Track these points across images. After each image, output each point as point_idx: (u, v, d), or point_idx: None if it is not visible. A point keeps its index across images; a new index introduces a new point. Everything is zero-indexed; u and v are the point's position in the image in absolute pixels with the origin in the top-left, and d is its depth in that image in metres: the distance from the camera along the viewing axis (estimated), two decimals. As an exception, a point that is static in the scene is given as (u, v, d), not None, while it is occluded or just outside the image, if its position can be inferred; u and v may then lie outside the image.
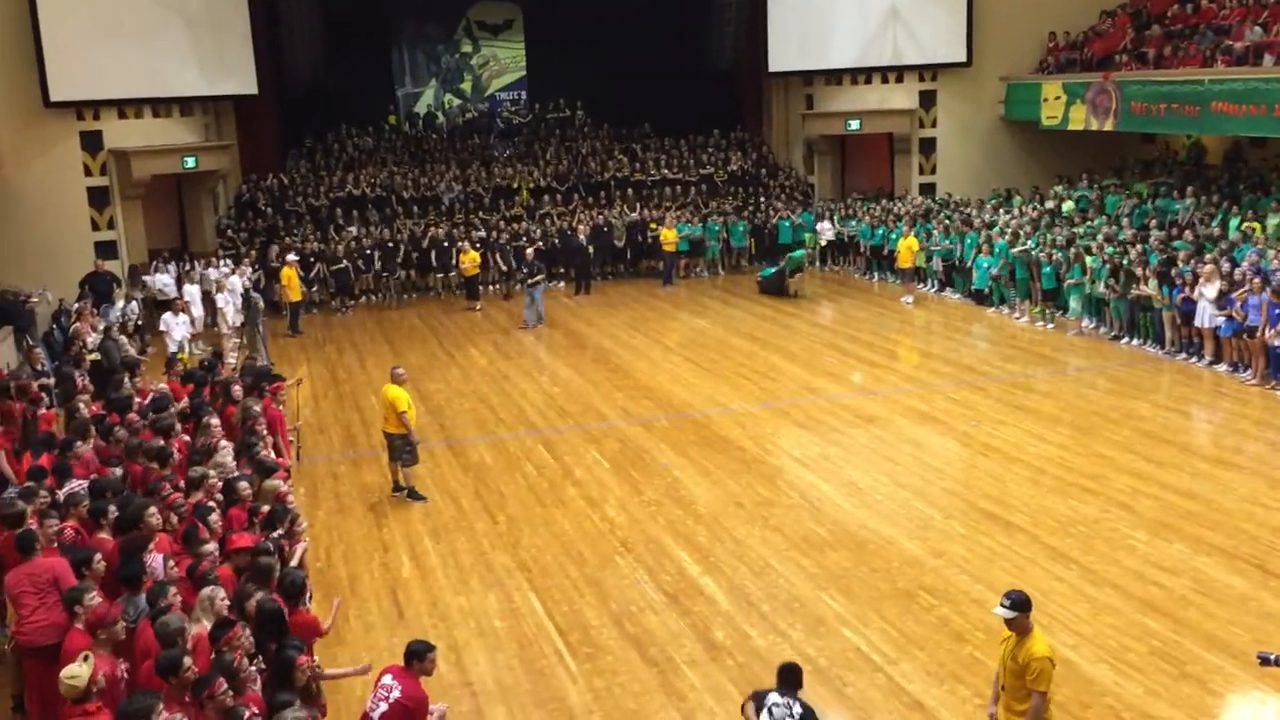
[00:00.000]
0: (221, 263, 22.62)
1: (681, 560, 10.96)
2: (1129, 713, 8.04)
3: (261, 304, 20.35)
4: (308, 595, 7.82)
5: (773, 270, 24.09)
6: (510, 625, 9.81)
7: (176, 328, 18.99)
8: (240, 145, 27.12)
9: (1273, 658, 6.90)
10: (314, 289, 24.15)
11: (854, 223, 26.20)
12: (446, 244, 24.94)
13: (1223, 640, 8.96)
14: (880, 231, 25.14)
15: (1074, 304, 19.55)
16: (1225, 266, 17.02)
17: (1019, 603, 6.72)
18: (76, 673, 6.33)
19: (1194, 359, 17.33)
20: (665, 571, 10.71)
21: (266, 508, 9.11)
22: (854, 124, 28.00)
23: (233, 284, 20.84)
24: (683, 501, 12.53)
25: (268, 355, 19.09)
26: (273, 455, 11.23)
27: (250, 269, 22.36)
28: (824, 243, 26.62)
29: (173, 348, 18.24)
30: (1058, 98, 24.58)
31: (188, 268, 23.02)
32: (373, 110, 31.17)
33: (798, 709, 6.60)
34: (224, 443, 10.83)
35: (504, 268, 24.87)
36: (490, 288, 25.48)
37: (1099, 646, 8.94)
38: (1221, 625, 9.20)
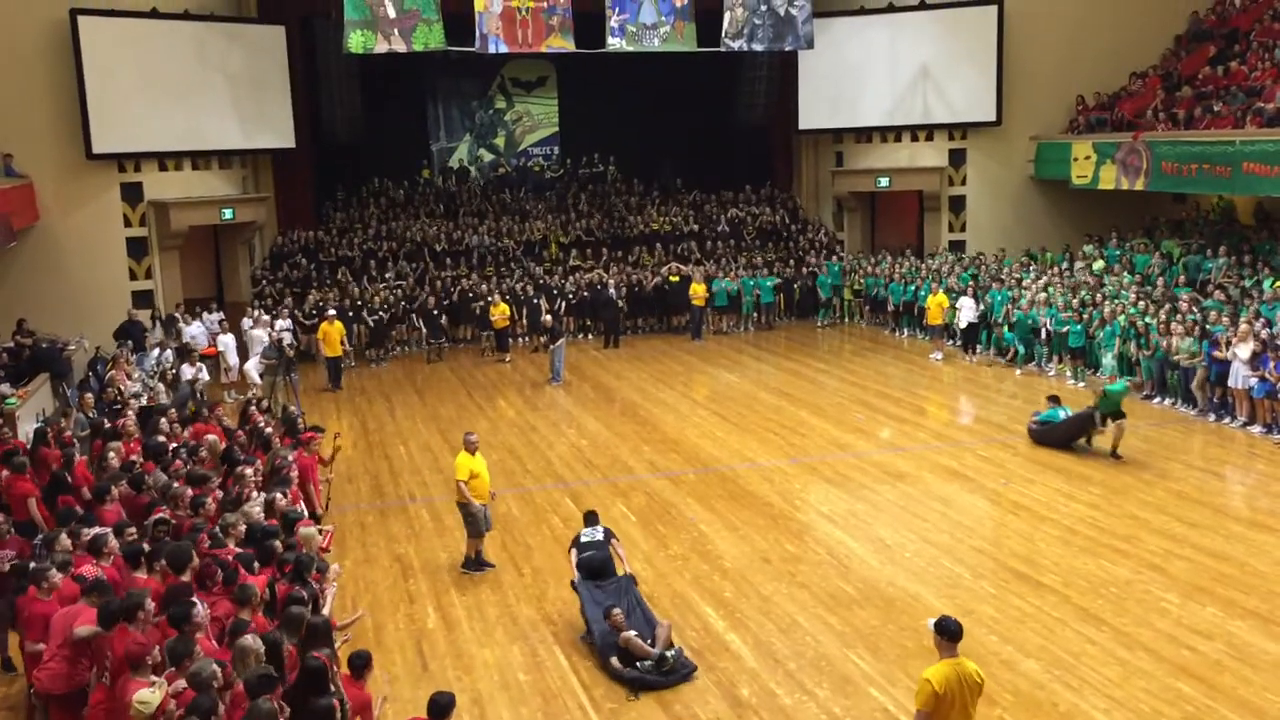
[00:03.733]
0: (256, 313, 22.86)
1: (707, 616, 10.90)
2: (1162, 779, 7.90)
3: (293, 353, 20.55)
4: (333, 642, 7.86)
5: (1061, 414, 16.21)
6: (534, 679, 9.77)
7: (194, 377, 19.15)
8: (277, 197, 27.57)
9: None
10: (349, 342, 24.22)
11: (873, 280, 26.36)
12: (472, 296, 25.14)
13: (1257, 706, 8.80)
14: (911, 288, 25.18)
15: (1106, 361, 19.46)
16: (1259, 327, 16.92)
17: (938, 623, 6.97)
18: (148, 699, 6.34)
19: (1227, 419, 17.18)
20: (691, 627, 10.66)
21: (293, 557, 9.16)
22: (884, 181, 28.14)
23: (258, 335, 21.05)
24: (709, 556, 12.49)
25: (299, 405, 19.23)
26: (302, 506, 11.32)
27: (288, 320, 22.55)
28: (964, 325, 22.57)
29: (197, 395, 18.44)
30: (1088, 157, 24.63)
31: (220, 318, 23.27)
32: (407, 164, 31.68)
33: (600, 532, 10.92)
34: (255, 494, 10.92)
35: (544, 319, 24.53)
36: (520, 340, 25.63)
37: (1131, 711, 8.80)
38: (1256, 691, 9.04)
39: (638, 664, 9.55)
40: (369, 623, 11.01)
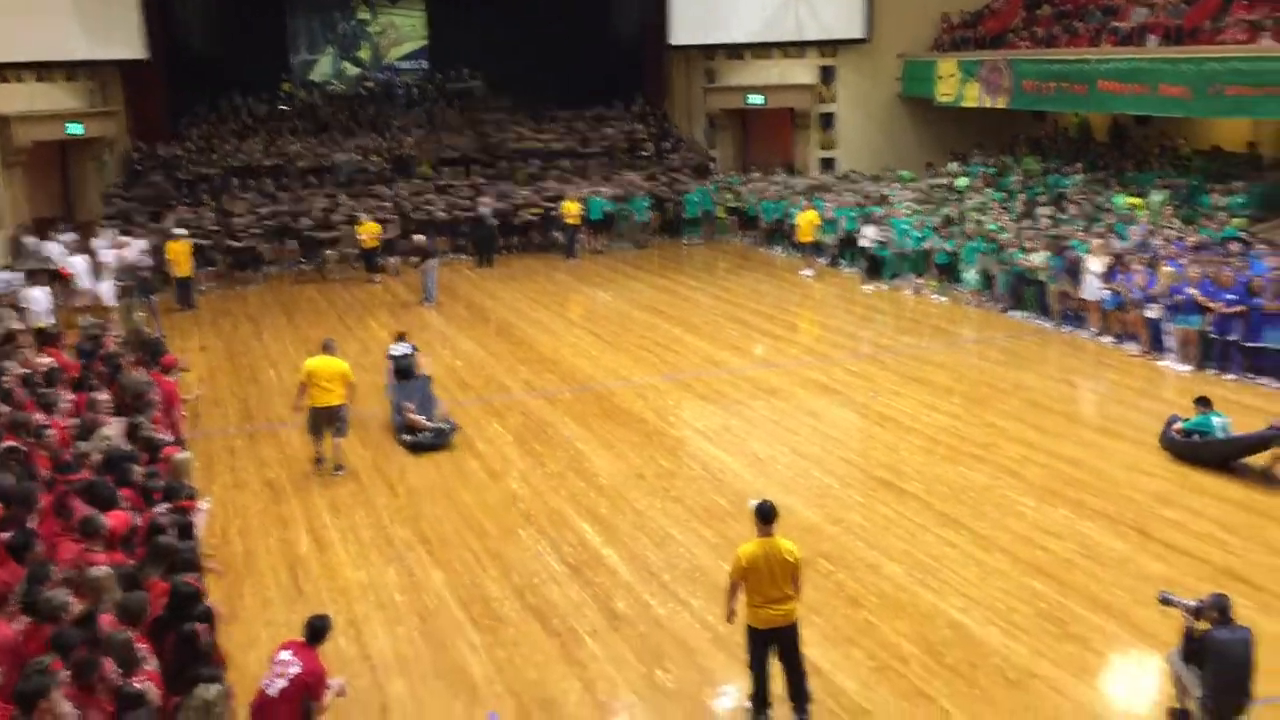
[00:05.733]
0: (110, 233, 21.87)
1: (583, 532, 11.01)
2: (1014, 672, 8.31)
3: (151, 276, 19.80)
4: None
5: (1215, 420, 11.97)
6: (411, 599, 9.76)
7: (42, 300, 18.34)
8: (129, 112, 26.34)
9: (1173, 599, 7.66)
10: (213, 265, 23.33)
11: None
12: (336, 214, 24.47)
13: (1105, 601, 9.31)
14: (782, 205, 25.40)
15: (969, 276, 20.00)
16: (1112, 242, 17.58)
17: (756, 506, 7.70)
18: None
19: (1079, 330, 17.87)
20: (567, 543, 10.75)
21: (160, 485, 8.92)
22: (755, 99, 28.19)
23: (110, 257, 20.20)
24: (585, 474, 12.57)
25: (159, 328, 18.57)
26: (167, 434, 11.00)
27: (143, 241, 21.63)
28: (871, 247, 21.69)
29: (47, 320, 17.65)
30: (952, 75, 25.06)
31: (74, 238, 22.22)
32: (267, 78, 30.48)
33: (409, 347, 14.37)
34: (108, 419, 10.55)
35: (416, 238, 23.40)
36: (390, 260, 25.05)
37: (988, 609, 9.22)
38: (1104, 587, 9.55)
39: (418, 434, 13.29)
40: (240, 548, 10.82)
